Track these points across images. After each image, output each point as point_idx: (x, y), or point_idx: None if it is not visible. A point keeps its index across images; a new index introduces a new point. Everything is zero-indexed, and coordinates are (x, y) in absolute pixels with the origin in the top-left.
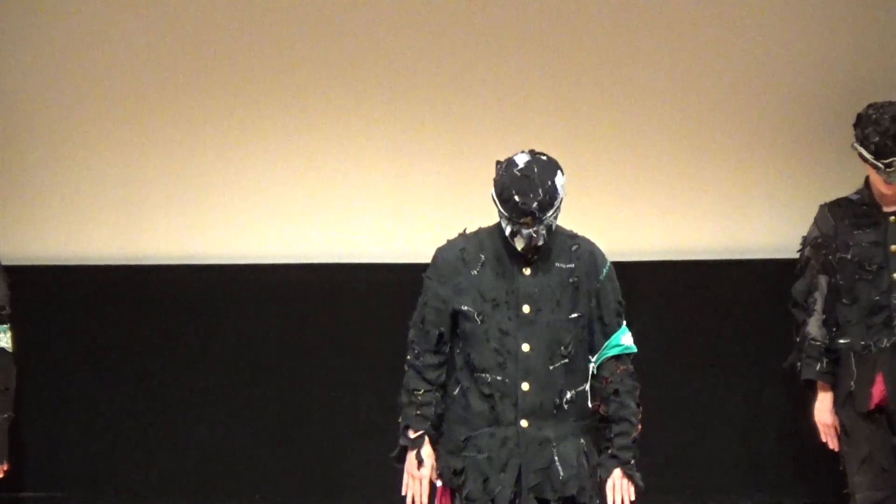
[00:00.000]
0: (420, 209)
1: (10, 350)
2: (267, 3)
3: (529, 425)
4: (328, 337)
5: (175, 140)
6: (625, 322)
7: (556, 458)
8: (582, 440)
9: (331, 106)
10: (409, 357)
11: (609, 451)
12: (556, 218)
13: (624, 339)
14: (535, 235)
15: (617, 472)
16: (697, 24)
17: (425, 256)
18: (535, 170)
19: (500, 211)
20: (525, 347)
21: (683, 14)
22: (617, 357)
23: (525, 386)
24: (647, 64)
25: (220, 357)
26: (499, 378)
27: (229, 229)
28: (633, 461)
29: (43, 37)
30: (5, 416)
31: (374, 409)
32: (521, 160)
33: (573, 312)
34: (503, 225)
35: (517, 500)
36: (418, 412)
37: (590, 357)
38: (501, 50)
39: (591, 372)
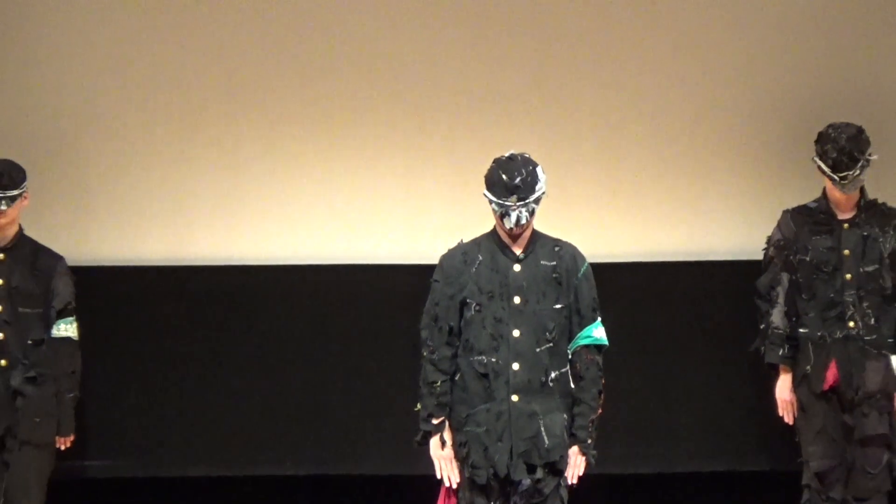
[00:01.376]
0: (428, 219)
1: (76, 338)
2: (298, 45)
3: (519, 400)
4: (349, 327)
5: (217, 157)
6: (599, 318)
7: (542, 429)
8: (565, 415)
9: (354, 129)
10: (425, 353)
11: (570, 430)
12: (537, 204)
13: (596, 331)
14: (521, 215)
15: (573, 450)
16: (669, 54)
17: (432, 258)
18: (519, 158)
19: (491, 199)
20: (515, 333)
21: (657, 43)
22: (587, 346)
23: (515, 366)
24: (623, 91)
25: (255, 345)
26: (493, 359)
27: (264, 235)
28: (589, 440)
29: (106, 69)
30: (71, 395)
31: (388, 389)
32: (506, 155)
33: (557, 303)
34: (494, 210)
35: (509, 465)
36: (438, 401)
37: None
38: (498, 78)
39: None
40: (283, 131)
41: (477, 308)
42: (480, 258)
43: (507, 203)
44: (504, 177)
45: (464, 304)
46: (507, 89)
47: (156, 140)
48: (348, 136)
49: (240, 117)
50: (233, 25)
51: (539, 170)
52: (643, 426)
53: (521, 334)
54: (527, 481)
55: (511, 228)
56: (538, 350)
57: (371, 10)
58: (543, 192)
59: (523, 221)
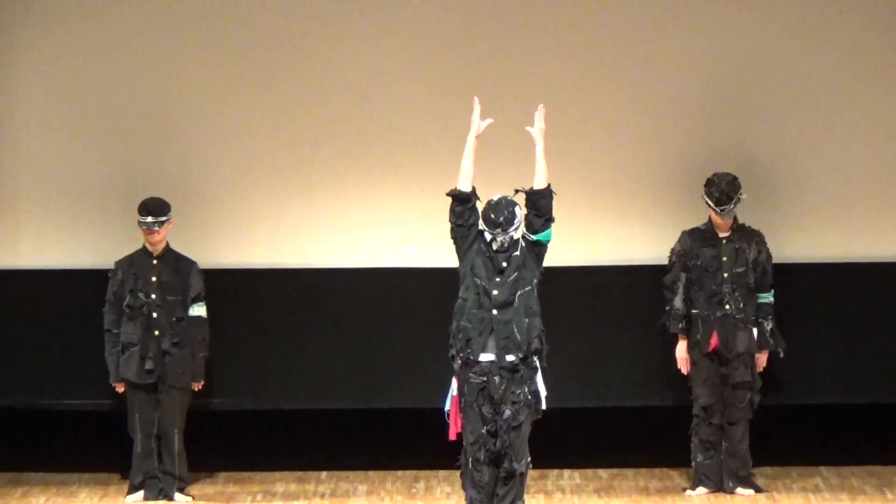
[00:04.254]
0: (442, 235)
1: (205, 316)
2: (356, 104)
3: (498, 314)
4: (388, 307)
5: (299, 193)
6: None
7: (514, 329)
8: (526, 319)
9: (395, 171)
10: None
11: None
12: (516, 232)
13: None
14: (504, 241)
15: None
16: (608, 121)
17: (446, 263)
18: (503, 202)
19: (483, 229)
20: (495, 292)
21: (598, 112)
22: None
23: (495, 312)
24: (573, 141)
25: (325, 320)
26: (480, 307)
27: (331, 247)
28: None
29: (224, 128)
30: (202, 355)
31: (416, 348)
32: (496, 198)
33: (527, 273)
34: (485, 236)
35: (496, 360)
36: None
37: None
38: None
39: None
40: (351, 171)
41: (472, 276)
42: (475, 247)
43: (493, 233)
44: (492, 216)
45: (464, 253)
46: (498, 131)
47: (259, 180)
48: (395, 181)
49: (320, 160)
50: (306, 97)
51: (517, 209)
52: (587, 375)
53: (499, 293)
54: (508, 412)
55: (496, 249)
56: (513, 299)
57: (405, 60)
58: (520, 223)
59: (505, 245)
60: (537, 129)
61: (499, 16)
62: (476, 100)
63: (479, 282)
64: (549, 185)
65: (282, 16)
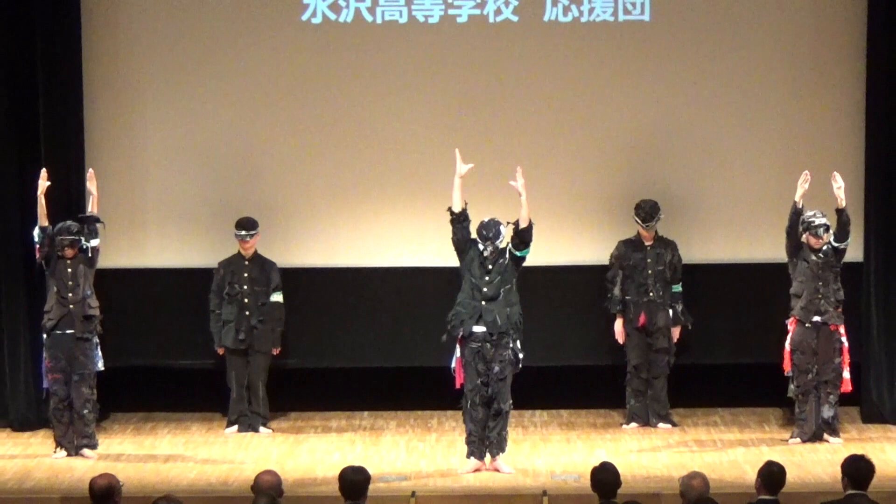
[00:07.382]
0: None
1: (282, 301)
2: (405, 139)
3: (486, 305)
4: (413, 296)
5: (360, 207)
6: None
7: (496, 315)
8: (508, 309)
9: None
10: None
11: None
12: (501, 244)
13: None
14: (491, 248)
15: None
16: (570, 153)
17: (452, 263)
18: (492, 222)
19: (477, 241)
20: (486, 289)
21: (560, 146)
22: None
23: (484, 303)
24: (540, 181)
25: (369, 301)
26: (473, 299)
27: (380, 252)
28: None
29: (308, 161)
30: (280, 329)
31: (436, 328)
32: (487, 219)
33: (507, 272)
34: (479, 246)
35: (483, 335)
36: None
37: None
38: (493, 155)
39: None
40: (389, 198)
41: (469, 276)
42: (471, 254)
43: (485, 244)
44: (484, 231)
45: (463, 259)
46: (498, 166)
47: (320, 203)
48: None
49: (364, 191)
50: (355, 145)
51: (501, 227)
52: (551, 342)
53: (487, 290)
54: (497, 368)
55: (486, 256)
56: (498, 294)
57: (430, 104)
58: (504, 237)
59: (493, 253)
60: (520, 185)
61: (489, 95)
62: (457, 150)
63: (473, 280)
64: (530, 222)
65: (336, 91)
